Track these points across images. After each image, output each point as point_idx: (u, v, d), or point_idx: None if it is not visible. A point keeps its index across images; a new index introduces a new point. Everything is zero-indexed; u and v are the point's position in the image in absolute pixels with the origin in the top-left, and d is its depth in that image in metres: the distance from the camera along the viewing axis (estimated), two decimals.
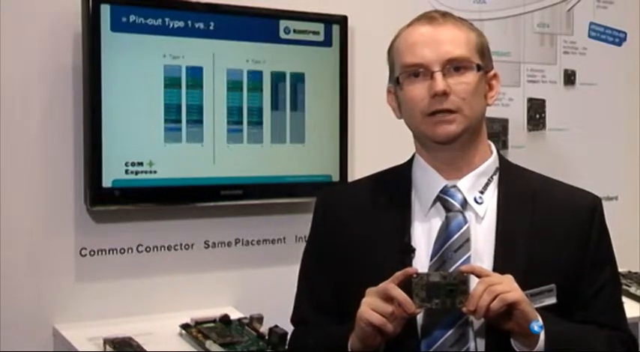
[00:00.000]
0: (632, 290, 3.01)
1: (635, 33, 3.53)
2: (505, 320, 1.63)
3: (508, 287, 1.61)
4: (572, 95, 3.41)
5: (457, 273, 1.64)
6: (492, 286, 1.61)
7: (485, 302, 1.59)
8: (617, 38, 3.50)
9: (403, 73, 1.76)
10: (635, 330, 1.94)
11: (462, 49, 1.74)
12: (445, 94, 1.71)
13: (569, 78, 3.40)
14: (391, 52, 1.83)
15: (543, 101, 3.35)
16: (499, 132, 3.20)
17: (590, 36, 3.45)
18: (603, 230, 1.84)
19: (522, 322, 1.62)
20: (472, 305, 1.60)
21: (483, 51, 1.80)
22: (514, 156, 2.00)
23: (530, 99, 3.32)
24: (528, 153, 3.25)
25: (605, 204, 1.87)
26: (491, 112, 1.85)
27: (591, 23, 3.45)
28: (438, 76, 1.71)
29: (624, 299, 1.92)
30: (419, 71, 1.74)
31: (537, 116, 3.33)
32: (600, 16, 3.46)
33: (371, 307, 1.63)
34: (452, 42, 1.74)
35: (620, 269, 1.92)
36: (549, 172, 1.91)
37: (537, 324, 1.63)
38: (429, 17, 1.79)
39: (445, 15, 1.80)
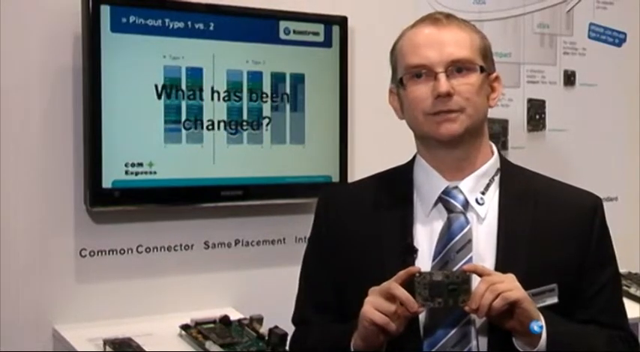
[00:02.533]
0: (632, 290, 3.02)
1: (634, 34, 3.53)
2: (507, 319, 1.63)
3: (510, 285, 1.62)
4: (572, 96, 3.41)
5: (459, 272, 1.64)
6: (494, 285, 1.61)
7: (488, 300, 1.59)
8: (616, 39, 3.50)
9: (407, 73, 1.77)
10: (634, 331, 1.94)
11: (466, 50, 1.75)
12: (449, 95, 1.71)
13: (569, 78, 3.40)
14: (394, 52, 1.83)
15: (543, 102, 3.35)
16: (499, 132, 3.20)
17: (589, 36, 3.45)
18: (604, 230, 1.84)
19: (524, 320, 1.63)
20: (474, 303, 1.61)
21: (486, 53, 1.80)
22: (514, 157, 1.99)
23: (530, 100, 3.32)
24: (528, 153, 3.25)
25: (605, 204, 1.87)
26: (491, 113, 1.85)
27: (591, 24, 3.45)
28: (442, 77, 1.72)
29: (624, 299, 1.92)
30: (422, 72, 1.74)
31: (537, 117, 3.33)
32: (600, 16, 3.46)
33: (374, 306, 1.63)
34: (456, 43, 1.75)
35: (620, 270, 1.92)
36: (549, 173, 1.92)
37: (537, 324, 1.63)
38: (433, 19, 1.80)
39: (449, 17, 1.81)
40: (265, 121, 2.71)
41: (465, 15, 2.16)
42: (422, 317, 1.70)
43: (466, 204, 1.77)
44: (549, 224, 1.78)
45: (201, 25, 2.61)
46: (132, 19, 2.51)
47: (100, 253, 2.57)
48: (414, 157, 1.87)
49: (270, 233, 2.83)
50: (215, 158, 2.64)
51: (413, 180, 1.84)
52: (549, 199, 1.82)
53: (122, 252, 2.60)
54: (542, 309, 1.68)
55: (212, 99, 2.63)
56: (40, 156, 2.47)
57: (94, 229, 2.55)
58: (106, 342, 2.33)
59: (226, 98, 2.65)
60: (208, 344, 2.39)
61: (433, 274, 1.64)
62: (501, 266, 1.72)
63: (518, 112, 3.29)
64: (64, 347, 2.42)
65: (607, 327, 1.79)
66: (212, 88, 2.63)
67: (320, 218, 1.92)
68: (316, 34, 2.79)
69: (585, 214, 1.82)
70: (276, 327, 2.42)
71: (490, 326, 1.68)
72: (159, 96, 2.55)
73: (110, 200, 2.50)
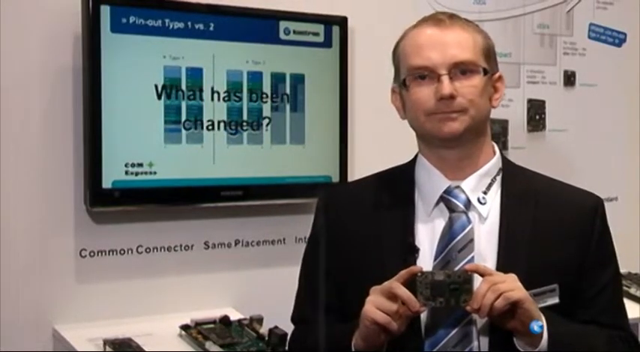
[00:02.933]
0: (632, 291, 3.01)
1: (634, 34, 3.54)
2: (508, 319, 1.63)
3: (512, 285, 1.62)
4: (572, 96, 3.41)
5: (461, 272, 1.64)
6: (496, 285, 1.61)
7: (489, 300, 1.59)
8: (616, 39, 3.50)
9: (410, 75, 1.76)
10: (635, 331, 1.94)
11: (469, 52, 1.74)
12: (452, 97, 1.71)
13: (569, 79, 3.40)
14: (396, 52, 1.83)
15: (543, 102, 3.35)
16: (499, 133, 3.19)
17: (589, 37, 3.45)
18: (605, 230, 1.84)
19: (526, 321, 1.63)
20: (476, 303, 1.61)
21: (489, 54, 1.80)
22: (514, 157, 1.99)
23: (530, 100, 3.32)
24: (528, 154, 3.25)
25: (605, 204, 1.87)
26: (491, 113, 1.85)
27: (591, 24, 3.45)
28: (445, 79, 1.71)
29: (624, 299, 1.92)
30: (425, 73, 1.74)
31: (537, 117, 3.33)
32: (600, 16, 3.46)
33: (375, 305, 1.63)
34: (459, 45, 1.74)
35: (620, 270, 1.91)
36: (549, 173, 1.92)
37: (537, 324, 1.63)
38: (435, 19, 1.79)
39: (452, 17, 1.80)
40: (265, 121, 2.71)
41: (465, 15, 2.14)
42: (423, 316, 1.69)
43: (468, 204, 1.77)
44: (550, 224, 1.78)
45: (201, 26, 2.61)
46: (132, 19, 2.50)
47: (100, 253, 2.56)
48: (416, 156, 1.87)
49: (270, 233, 2.83)
50: (215, 158, 2.64)
51: (414, 180, 1.84)
52: (550, 199, 1.82)
53: (122, 252, 2.60)
54: (543, 309, 1.68)
55: (212, 99, 2.63)
56: (40, 156, 2.47)
57: (94, 229, 2.55)
58: (106, 342, 2.33)
59: (226, 98, 2.65)
60: (208, 345, 2.39)
61: (435, 273, 1.64)
62: (502, 266, 1.71)
63: (518, 112, 3.29)
64: (64, 347, 2.41)
65: (607, 327, 1.79)
66: (212, 88, 2.63)
67: (320, 217, 1.92)
68: (316, 34, 2.79)
69: (586, 214, 1.82)
70: (276, 327, 2.42)
71: (491, 326, 1.69)
72: (159, 97, 2.55)
73: (110, 200, 2.50)
